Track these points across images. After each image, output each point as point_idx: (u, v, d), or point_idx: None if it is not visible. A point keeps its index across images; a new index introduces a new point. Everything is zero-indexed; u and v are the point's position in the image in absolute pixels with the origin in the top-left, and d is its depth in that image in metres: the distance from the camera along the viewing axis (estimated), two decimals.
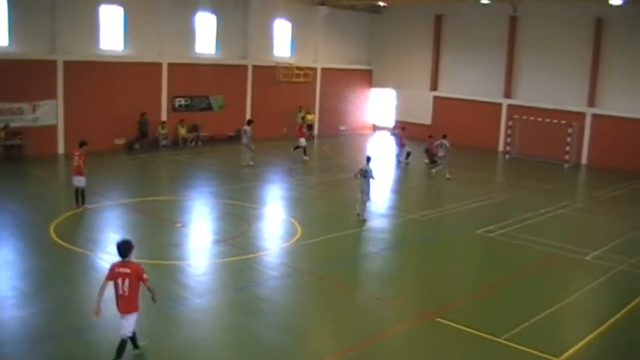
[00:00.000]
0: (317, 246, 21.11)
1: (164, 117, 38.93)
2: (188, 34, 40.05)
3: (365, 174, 24.38)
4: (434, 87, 48.61)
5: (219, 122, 41.28)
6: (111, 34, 36.58)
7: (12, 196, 25.74)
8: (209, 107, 41.21)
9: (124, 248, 12.17)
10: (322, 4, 46.55)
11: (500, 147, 44.35)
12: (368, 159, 25.11)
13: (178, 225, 22.78)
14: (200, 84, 40.56)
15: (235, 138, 41.39)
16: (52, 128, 34.23)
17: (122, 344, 12.22)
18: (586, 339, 15.05)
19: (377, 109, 52.31)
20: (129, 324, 12.22)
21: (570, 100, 41.47)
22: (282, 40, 45.45)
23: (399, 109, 50.44)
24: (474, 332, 14.91)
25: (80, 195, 23.76)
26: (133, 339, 12.63)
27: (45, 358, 12.40)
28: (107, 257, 18.79)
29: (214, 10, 40.89)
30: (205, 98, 40.99)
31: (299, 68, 45.52)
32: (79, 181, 23.66)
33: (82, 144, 24.16)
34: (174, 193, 27.82)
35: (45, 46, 33.69)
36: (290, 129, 44.66)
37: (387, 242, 22.86)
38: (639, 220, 27.26)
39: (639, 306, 17.46)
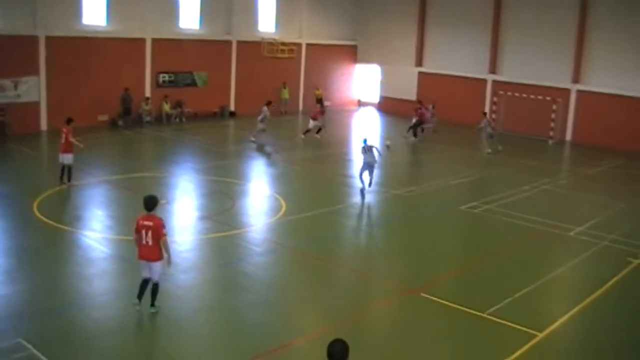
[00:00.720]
0: (302, 222, 21.14)
1: (147, 93, 38.66)
2: (172, 9, 39.69)
3: (370, 149, 25.30)
4: (419, 63, 48.52)
5: (203, 98, 41.08)
6: (94, 9, 36.18)
7: None
8: (193, 83, 40.95)
9: (149, 203, 13.51)
10: None
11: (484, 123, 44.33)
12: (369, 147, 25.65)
13: (162, 202, 22.59)
14: (184, 59, 40.27)
15: (219, 114, 41.36)
16: (35, 105, 33.92)
17: (155, 290, 13.70)
18: (568, 314, 15.20)
19: (362, 84, 52.18)
20: (156, 271, 13.55)
21: (555, 76, 41.50)
22: (266, 15, 45.16)
23: (384, 84, 50.36)
24: (459, 307, 15.01)
25: (67, 172, 23.63)
26: (142, 289, 13.63)
27: (28, 335, 12.36)
28: (91, 234, 18.81)
29: None
30: (189, 74, 40.70)
31: (283, 44, 45.28)
32: (66, 159, 23.51)
33: (69, 120, 23.97)
34: (158, 170, 27.73)
35: (26, 22, 33.26)
36: (275, 105, 44.52)
37: (371, 218, 22.97)
38: (621, 196, 27.43)
39: (620, 281, 17.64)
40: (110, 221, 20.38)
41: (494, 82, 44.13)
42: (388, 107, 48.75)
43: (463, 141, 38.24)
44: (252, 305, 14.80)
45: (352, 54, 51.64)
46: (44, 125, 34.24)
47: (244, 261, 17.48)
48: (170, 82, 39.79)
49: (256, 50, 43.80)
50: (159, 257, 13.48)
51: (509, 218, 22.88)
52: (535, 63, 42.32)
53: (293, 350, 12.97)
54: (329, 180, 27.56)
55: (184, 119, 39.67)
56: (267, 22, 45.15)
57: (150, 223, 13.31)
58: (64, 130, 23.66)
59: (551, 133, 40.46)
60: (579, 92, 40.88)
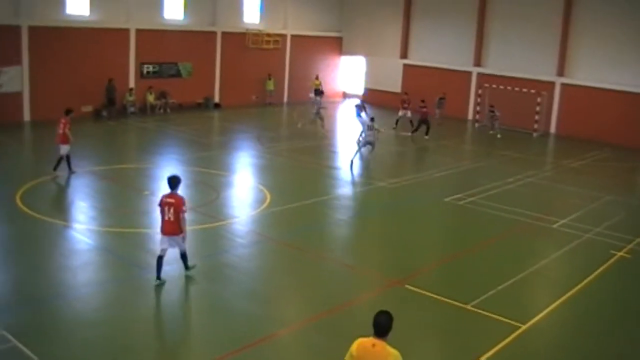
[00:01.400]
0: (286, 213, 21.11)
1: (131, 84, 38.48)
2: (156, 0, 39.49)
3: (373, 128, 28.89)
4: (404, 55, 48.57)
5: (187, 89, 40.94)
6: None
7: None
8: (177, 74, 40.77)
9: (172, 182, 14.88)
10: None
11: (470, 116, 44.50)
12: (372, 119, 29.53)
13: (146, 193, 22.65)
14: (168, 50, 40.09)
15: (204, 105, 41.21)
16: (18, 95, 33.69)
17: (184, 256, 15.26)
18: (552, 306, 15.26)
19: (347, 76, 52.14)
20: (180, 244, 15.02)
21: (540, 69, 41.68)
22: (251, 6, 44.99)
23: (369, 76, 50.39)
24: (443, 299, 15.05)
25: (66, 162, 23.61)
26: (159, 267, 14.82)
27: (10, 327, 12.27)
28: (75, 225, 18.71)
29: None
30: (173, 65, 40.53)
31: (268, 35, 45.17)
32: (63, 149, 23.40)
33: (67, 111, 23.91)
34: (142, 161, 27.63)
35: (8, 11, 33.02)
36: (259, 96, 44.51)
37: (356, 209, 22.97)
38: (605, 188, 27.58)
39: (604, 274, 17.74)
40: (94, 212, 20.27)
41: (479, 74, 44.25)
42: (373, 99, 48.74)
43: (448, 134, 38.26)
44: (237, 297, 14.77)
45: (338, 45, 51.60)
46: (27, 116, 34.01)
47: (229, 252, 17.44)
48: (154, 72, 39.60)
49: (241, 41, 43.67)
50: (180, 232, 14.79)
51: (494, 210, 22.95)
52: (521, 56, 42.49)
53: (277, 340, 12.96)
54: (314, 171, 27.54)
55: (168, 110, 39.52)
56: (252, 13, 45.00)
57: (172, 200, 14.63)
58: (62, 121, 23.51)
59: (536, 126, 40.63)
60: (564, 85, 41.08)
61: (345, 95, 51.83)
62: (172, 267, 16.02)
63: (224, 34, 42.73)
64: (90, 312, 13.48)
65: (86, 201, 21.58)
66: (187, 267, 15.43)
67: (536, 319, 14.44)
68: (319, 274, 16.74)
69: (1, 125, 31.72)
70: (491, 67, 43.94)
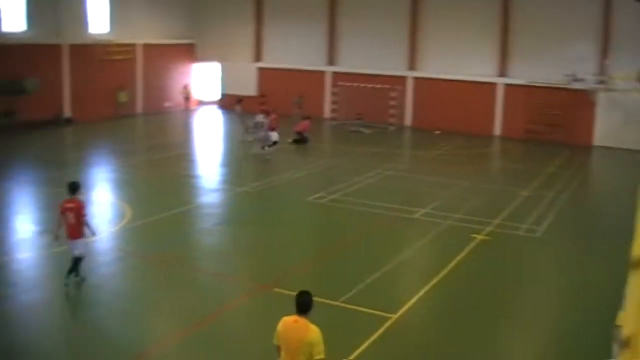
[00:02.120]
0: (149, 227, 20.61)
1: None
2: None
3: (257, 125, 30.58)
4: (257, 58, 48.57)
5: (35, 105, 39.01)
6: None
7: None
8: (23, 90, 38.82)
9: (71, 187, 15.47)
10: None
11: (327, 114, 44.99)
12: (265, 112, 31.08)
13: None
14: (11, 65, 38.17)
15: (54, 122, 39.59)
16: None
17: (75, 262, 15.34)
18: (420, 294, 15.61)
19: (201, 83, 51.53)
20: (78, 247, 15.32)
21: (392, 65, 42.75)
22: (99, 16, 43.62)
23: (224, 82, 50.03)
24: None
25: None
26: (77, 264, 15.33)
27: None
28: None
29: None
30: (18, 81, 38.58)
31: (118, 45, 43.99)
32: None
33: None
34: None
35: None
36: (114, 108, 43.33)
37: (219, 216, 22.70)
38: (462, 176, 28.55)
39: (467, 257, 18.34)
40: None
41: (333, 73, 44.85)
42: (230, 104, 48.41)
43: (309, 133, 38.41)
44: (104, 318, 14.24)
45: (191, 52, 50.92)
46: None
47: (91, 273, 16.76)
48: None
49: (90, 53, 42.22)
50: (81, 236, 15.40)
51: (356, 206, 23.25)
52: (373, 52, 43.42)
53: (150, 358, 12.60)
54: (174, 181, 27.08)
55: (15, 129, 37.52)
56: (100, 23, 43.64)
57: (73, 205, 15.20)
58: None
59: (391, 120, 41.55)
60: (416, 78, 42.27)
61: (200, 103, 51.12)
62: (31, 295, 15.34)
63: (71, 45, 41.18)
64: None
65: None
66: (77, 274, 15.51)
67: (405, 307, 14.77)
68: (187, 285, 16.42)
69: None
70: (345, 65, 44.62)
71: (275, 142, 31.72)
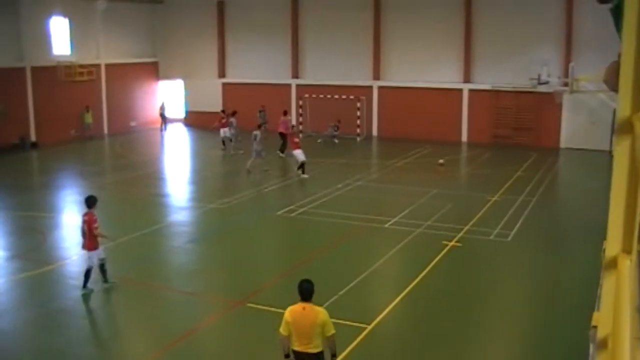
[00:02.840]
0: (119, 248, 20.29)
1: None
2: None
3: (256, 137, 30.61)
4: (222, 74, 48.49)
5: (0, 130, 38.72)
6: None
7: None
8: None
9: (86, 201, 16.59)
10: None
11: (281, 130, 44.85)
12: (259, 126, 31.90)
13: None
14: None
15: (19, 146, 39.17)
16: None
17: (87, 273, 16.27)
18: (394, 302, 15.67)
19: (166, 101, 51.13)
20: (91, 257, 16.21)
21: (357, 75, 42.94)
22: (60, 38, 43.29)
23: (189, 99, 49.86)
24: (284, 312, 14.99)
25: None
26: (103, 272, 16.46)
27: None
28: None
29: None
30: None
31: (81, 66, 43.64)
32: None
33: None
34: None
35: None
36: (79, 130, 42.98)
37: (190, 234, 22.55)
38: (430, 183, 28.68)
39: (439, 264, 18.42)
40: None
41: (298, 85, 44.92)
42: (194, 121, 48.32)
43: (272, 147, 38.29)
44: (76, 343, 14.09)
45: (154, 70, 50.71)
46: None
47: (63, 297, 16.62)
48: None
49: (53, 75, 41.85)
50: (94, 247, 16.19)
51: (326, 218, 23.26)
52: (337, 64, 43.61)
53: None
54: (143, 201, 26.90)
55: None
56: (61, 45, 43.30)
57: (86, 218, 16.14)
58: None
59: (358, 130, 41.68)
60: (381, 88, 42.48)
61: (165, 120, 50.68)
62: (2, 320, 15.09)
63: (33, 68, 40.78)
64: None
65: None
66: (84, 285, 16.34)
67: (380, 317, 14.81)
68: (159, 306, 16.30)
69: None
70: (309, 78, 44.71)
71: (303, 163, 30.35)
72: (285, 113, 38.13)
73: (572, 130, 37.99)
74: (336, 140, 39.05)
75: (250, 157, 31.52)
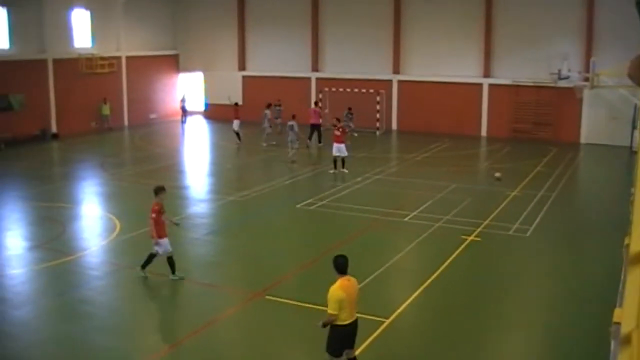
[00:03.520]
0: (138, 239, 20.46)
1: None
2: None
3: (293, 128, 31.67)
4: (242, 66, 48.56)
5: (21, 121, 38.95)
6: None
7: None
8: (8, 107, 38.70)
9: (154, 190, 16.90)
10: None
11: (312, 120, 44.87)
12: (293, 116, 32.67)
13: None
14: None
15: (40, 137, 39.47)
16: None
17: (150, 257, 16.77)
18: (412, 297, 15.63)
19: (187, 93, 51.32)
20: (160, 245, 16.58)
21: (376, 69, 42.91)
22: (82, 30, 43.53)
23: (209, 91, 49.96)
24: (304, 304, 15.09)
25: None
26: (171, 264, 16.79)
27: None
28: None
29: (4, 3, 38.39)
30: (3, 97, 38.48)
31: (102, 58, 43.88)
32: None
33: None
34: None
35: None
36: (99, 122, 43.25)
37: (209, 226, 22.63)
38: (450, 177, 28.62)
39: (457, 259, 18.39)
40: None
41: (318, 79, 44.88)
42: (214, 113, 48.44)
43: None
44: (96, 332, 14.19)
45: (174, 63, 50.89)
46: None
47: (82, 287, 16.74)
48: None
49: (74, 67, 42.14)
50: (161, 236, 16.55)
51: (345, 211, 23.26)
52: (357, 57, 43.57)
53: None
54: None
55: (2, 146, 37.39)
56: (83, 37, 43.56)
57: (152, 207, 16.54)
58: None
59: (378, 124, 41.61)
60: (401, 82, 42.37)
61: (186, 113, 50.94)
62: (22, 311, 15.30)
63: (55, 60, 41.08)
64: None
65: None
66: (143, 267, 16.81)
67: (399, 311, 14.81)
68: (179, 297, 16.40)
69: None
70: (329, 71, 44.69)
71: (342, 160, 29.79)
72: (317, 103, 38.42)
73: (592, 125, 37.76)
74: (355, 134, 38.87)
75: (291, 148, 32.11)
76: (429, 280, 16.70)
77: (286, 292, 15.97)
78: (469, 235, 20.33)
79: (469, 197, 25.22)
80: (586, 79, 36.18)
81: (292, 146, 32.17)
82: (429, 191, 26.18)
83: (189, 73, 50.78)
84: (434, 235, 20.66)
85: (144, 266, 16.80)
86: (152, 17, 48.45)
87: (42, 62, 40.52)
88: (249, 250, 20.00)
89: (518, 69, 39.06)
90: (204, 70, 50.04)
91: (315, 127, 36.56)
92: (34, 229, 22.54)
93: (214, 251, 20.22)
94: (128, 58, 46.23)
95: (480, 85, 40.42)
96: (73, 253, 19.27)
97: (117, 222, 22.20)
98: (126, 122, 45.97)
